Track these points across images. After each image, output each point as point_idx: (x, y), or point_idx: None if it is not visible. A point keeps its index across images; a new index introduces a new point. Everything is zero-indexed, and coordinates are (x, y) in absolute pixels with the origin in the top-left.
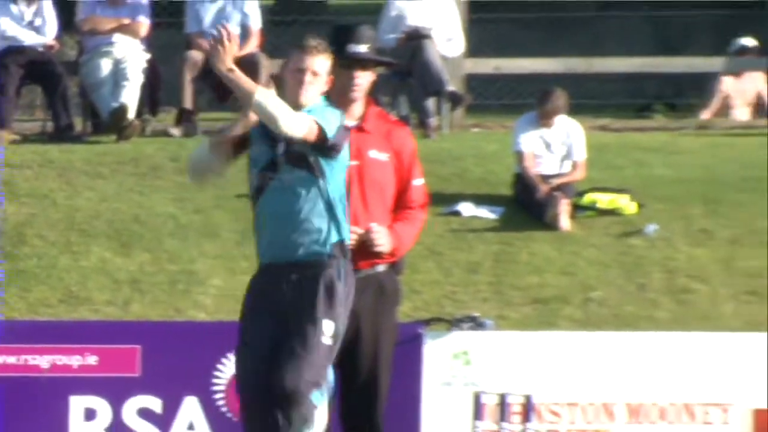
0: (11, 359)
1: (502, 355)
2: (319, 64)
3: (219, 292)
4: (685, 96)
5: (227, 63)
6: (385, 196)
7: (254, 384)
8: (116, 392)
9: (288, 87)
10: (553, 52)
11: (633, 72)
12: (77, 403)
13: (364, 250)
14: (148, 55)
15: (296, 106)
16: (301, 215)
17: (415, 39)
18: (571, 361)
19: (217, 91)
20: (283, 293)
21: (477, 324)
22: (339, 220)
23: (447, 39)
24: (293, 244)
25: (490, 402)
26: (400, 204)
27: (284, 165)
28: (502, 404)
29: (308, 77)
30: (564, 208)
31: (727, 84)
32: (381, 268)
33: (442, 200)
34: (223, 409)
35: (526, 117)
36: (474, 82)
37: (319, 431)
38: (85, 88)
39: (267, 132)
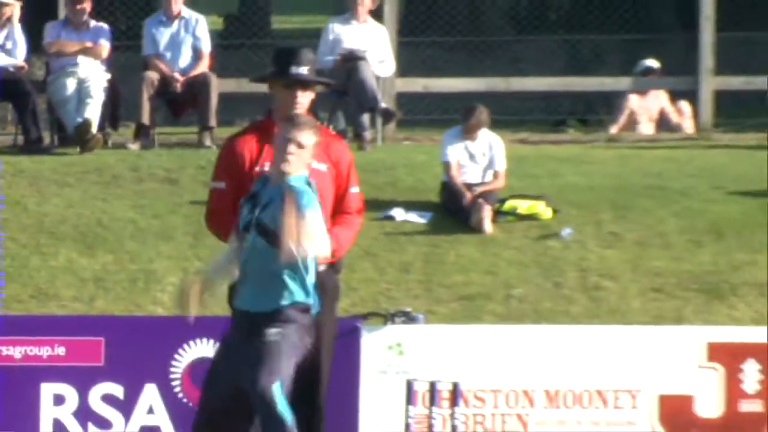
0: None
1: (432, 346)
2: (306, 137)
3: (175, 290)
4: (595, 112)
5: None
6: (325, 202)
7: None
8: (82, 380)
9: (275, 155)
10: (476, 72)
11: (548, 90)
12: (47, 390)
13: None
14: (108, 75)
15: (280, 173)
16: (271, 275)
17: (351, 61)
18: (495, 352)
19: (172, 107)
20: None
21: (409, 318)
22: (304, 279)
23: (380, 61)
24: (264, 299)
25: (422, 389)
26: (339, 210)
27: (254, 231)
28: (433, 391)
29: (293, 147)
30: (487, 213)
31: (634, 101)
32: (322, 267)
33: (377, 206)
34: (180, 395)
35: (452, 131)
36: (404, 99)
37: None
38: (52, 105)
39: (252, 196)
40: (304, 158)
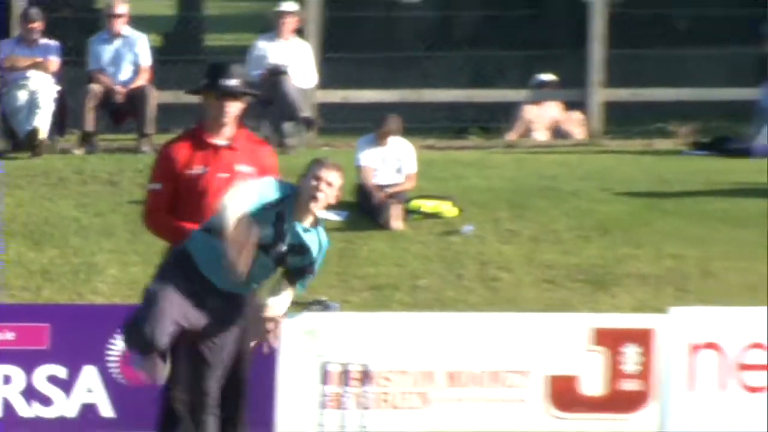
0: None
1: (345, 331)
2: (335, 178)
3: (114, 281)
4: (496, 121)
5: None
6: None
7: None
8: (29, 362)
9: (303, 193)
10: (390, 85)
11: (454, 101)
12: None
13: None
14: (58, 87)
15: (308, 211)
16: (258, 280)
17: (275, 74)
18: (401, 337)
19: (114, 117)
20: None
21: (325, 306)
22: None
23: (303, 74)
24: (234, 287)
25: (335, 370)
26: None
27: (271, 259)
28: (345, 372)
29: (324, 186)
30: (397, 212)
31: (530, 111)
32: None
33: None
34: (116, 376)
35: (366, 138)
36: (325, 109)
37: None
38: (5, 115)
39: (279, 228)
40: (330, 197)
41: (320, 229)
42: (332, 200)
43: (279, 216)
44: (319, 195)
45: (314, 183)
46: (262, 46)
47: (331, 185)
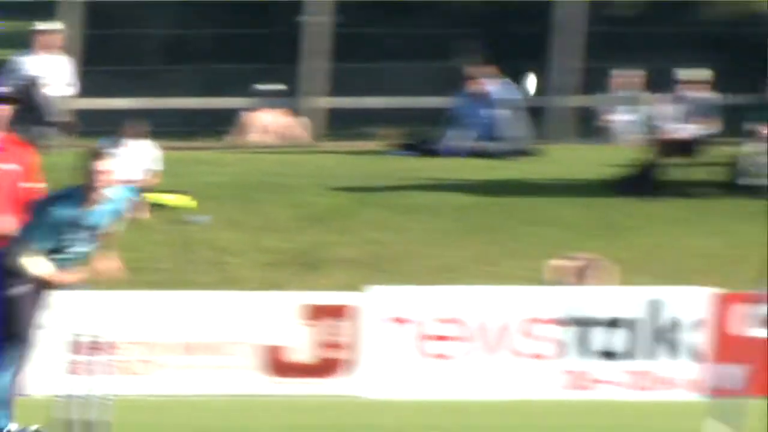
0: None
1: (93, 307)
2: (109, 164)
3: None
4: (226, 125)
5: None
6: (17, 196)
7: None
8: None
9: (87, 187)
10: (137, 93)
11: (191, 108)
12: None
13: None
14: None
15: (96, 197)
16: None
17: (33, 85)
18: (143, 313)
19: None
20: None
21: (78, 285)
22: None
23: (61, 84)
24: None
25: (82, 340)
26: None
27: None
28: (91, 342)
29: (103, 177)
30: (141, 204)
31: (257, 117)
32: None
33: None
34: None
35: (111, 139)
36: (84, 115)
37: None
38: None
39: (79, 225)
40: (110, 179)
41: (109, 195)
42: (112, 180)
43: (75, 219)
44: (100, 184)
45: (92, 176)
46: (19, 60)
47: (107, 172)
